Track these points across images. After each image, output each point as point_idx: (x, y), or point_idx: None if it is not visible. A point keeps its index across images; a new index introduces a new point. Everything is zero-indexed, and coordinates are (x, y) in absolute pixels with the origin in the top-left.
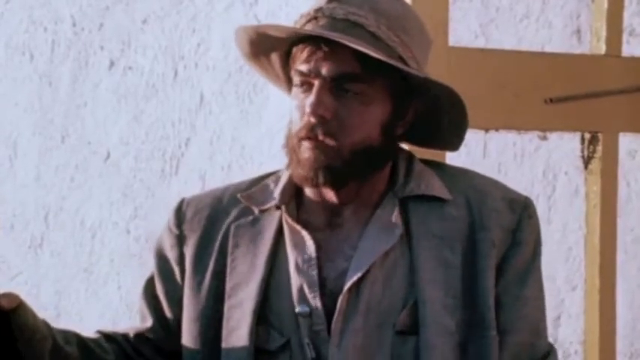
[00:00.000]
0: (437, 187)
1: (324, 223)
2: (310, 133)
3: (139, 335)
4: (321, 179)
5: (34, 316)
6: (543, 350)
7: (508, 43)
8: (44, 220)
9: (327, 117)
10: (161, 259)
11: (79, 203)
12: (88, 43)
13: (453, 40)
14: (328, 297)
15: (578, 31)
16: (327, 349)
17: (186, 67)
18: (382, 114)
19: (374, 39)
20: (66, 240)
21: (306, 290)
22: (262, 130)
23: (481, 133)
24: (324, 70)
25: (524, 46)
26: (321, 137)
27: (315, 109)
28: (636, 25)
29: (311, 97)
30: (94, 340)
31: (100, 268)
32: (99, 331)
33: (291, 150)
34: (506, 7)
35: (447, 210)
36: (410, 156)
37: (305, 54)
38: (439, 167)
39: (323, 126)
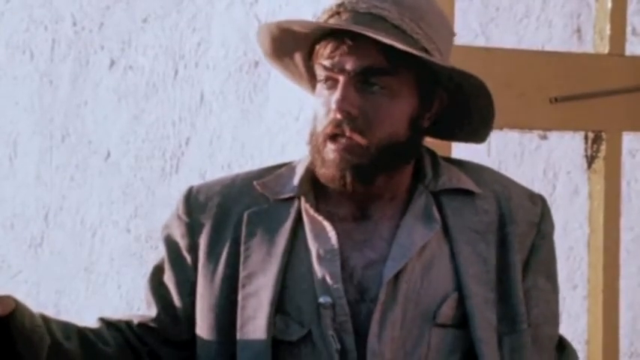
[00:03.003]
0: (466, 180)
1: (350, 215)
2: (337, 130)
3: (143, 324)
4: (348, 179)
5: (32, 316)
6: (557, 338)
7: (508, 42)
8: (44, 220)
9: (354, 113)
10: (171, 247)
11: (79, 202)
12: (88, 42)
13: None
14: (355, 287)
15: (579, 31)
16: (352, 339)
17: (187, 67)
18: (408, 107)
19: (398, 31)
20: (66, 239)
21: (329, 281)
22: (262, 129)
23: None
24: (348, 65)
25: (524, 46)
26: (348, 134)
27: (341, 105)
28: (637, 24)
29: (336, 94)
30: (95, 332)
31: (100, 267)
32: (102, 319)
33: (315, 149)
34: (507, 6)
35: (478, 203)
36: (431, 150)
37: (328, 49)
38: (458, 163)
39: (350, 122)
